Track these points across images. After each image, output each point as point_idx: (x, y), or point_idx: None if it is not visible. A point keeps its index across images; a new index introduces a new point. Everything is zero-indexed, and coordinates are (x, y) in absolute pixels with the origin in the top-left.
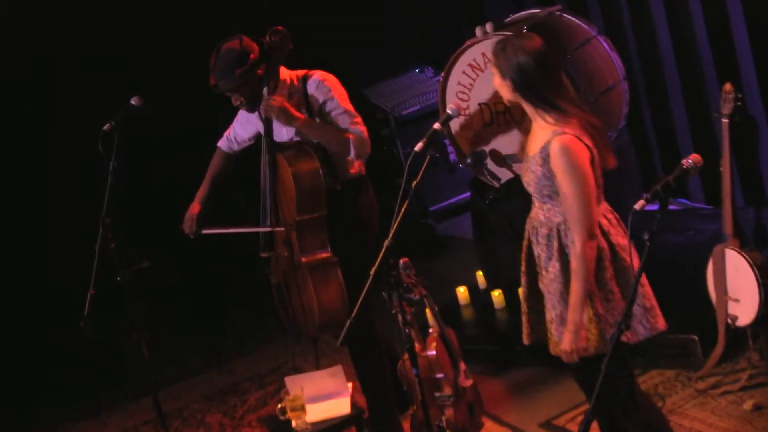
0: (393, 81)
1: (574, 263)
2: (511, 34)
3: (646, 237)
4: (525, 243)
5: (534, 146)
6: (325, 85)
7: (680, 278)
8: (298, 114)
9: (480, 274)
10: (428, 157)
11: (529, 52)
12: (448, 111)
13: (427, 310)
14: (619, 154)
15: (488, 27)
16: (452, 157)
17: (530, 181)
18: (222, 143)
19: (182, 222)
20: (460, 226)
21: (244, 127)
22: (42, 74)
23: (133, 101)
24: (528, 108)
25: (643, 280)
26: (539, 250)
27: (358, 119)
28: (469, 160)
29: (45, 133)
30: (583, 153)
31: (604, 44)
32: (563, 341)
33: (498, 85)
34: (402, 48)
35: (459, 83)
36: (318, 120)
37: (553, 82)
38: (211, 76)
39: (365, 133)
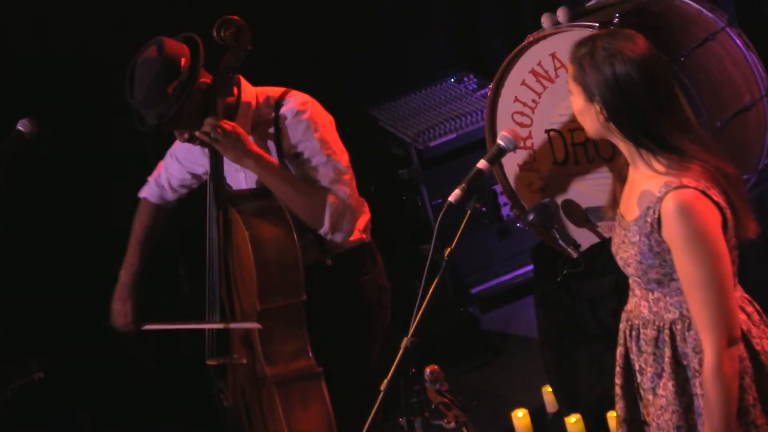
0: (416, 96)
1: (709, 383)
2: (595, 26)
3: None
4: (620, 350)
5: (634, 205)
6: (303, 119)
7: None
8: (256, 148)
9: (548, 390)
10: (469, 212)
11: (632, 60)
12: (500, 142)
13: None
14: (761, 208)
15: (560, 14)
16: (506, 211)
17: (629, 258)
18: (147, 192)
19: (109, 314)
20: (517, 317)
21: (183, 163)
22: None
23: (21, 126)
24: (625, 147)
25: None
26: (642, 362)
27: (348, 176)
28: (531, 217)
29: None
30: (713, 216)
31: (737, 41)
32: None
33: (579, 109)
34: (431, 47)
35: (516, 99)
36: (287, 163)
37: (667, 108)
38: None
39: (353, 199)
